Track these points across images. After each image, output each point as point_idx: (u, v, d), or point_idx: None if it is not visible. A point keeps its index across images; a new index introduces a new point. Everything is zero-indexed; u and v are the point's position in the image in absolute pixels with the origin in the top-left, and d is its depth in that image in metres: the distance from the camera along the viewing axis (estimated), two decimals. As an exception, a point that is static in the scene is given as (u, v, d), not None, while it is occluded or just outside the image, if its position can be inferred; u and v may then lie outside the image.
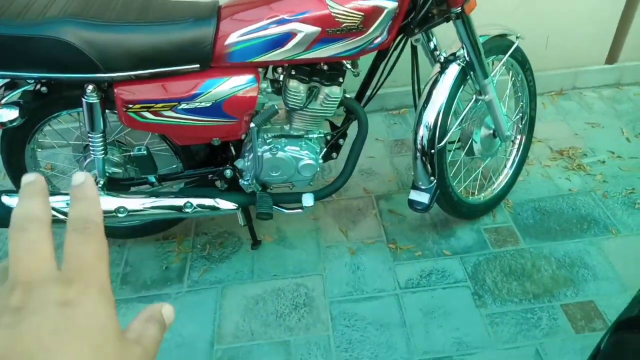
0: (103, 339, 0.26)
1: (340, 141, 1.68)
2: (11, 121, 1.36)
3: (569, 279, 1.69)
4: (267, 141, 1.54)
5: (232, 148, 1.61)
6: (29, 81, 1.40)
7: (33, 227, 0.28)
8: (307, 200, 1.60)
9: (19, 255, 0.28)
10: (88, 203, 0.31)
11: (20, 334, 0.24)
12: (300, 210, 1.63)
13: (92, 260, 0.28)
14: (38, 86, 1.42)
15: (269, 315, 1.63)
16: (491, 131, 1.78)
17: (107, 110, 1.45)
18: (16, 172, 1.60)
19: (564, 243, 1.81)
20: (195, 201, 1.56)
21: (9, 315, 0.25)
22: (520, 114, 1.95)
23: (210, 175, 1.64)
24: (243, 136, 1.56)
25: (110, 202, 1.49)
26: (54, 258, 0.28)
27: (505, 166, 1.99)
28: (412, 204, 1.65)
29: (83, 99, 1.39)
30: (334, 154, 1.69)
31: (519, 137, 1.98)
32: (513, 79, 1.89)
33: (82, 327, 0.26)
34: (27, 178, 0.31)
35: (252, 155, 1.55)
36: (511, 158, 1.99)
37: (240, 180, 1.62)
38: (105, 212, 1.49)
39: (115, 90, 1.37)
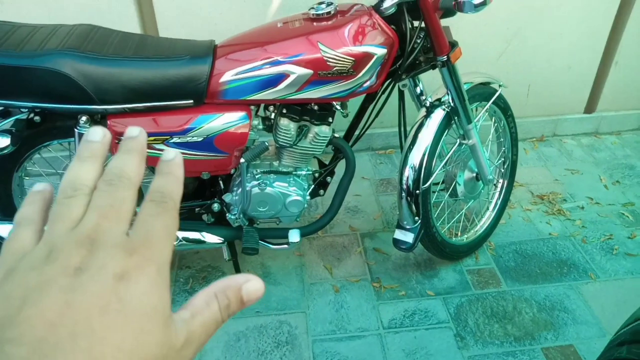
0: (149, 324, 0.25)
1: (328, 179, 1.71)
2: (2, 149, 1.37)
3: (549, 322, 1.71)
4: (256, 176, 1.57)
5: (220, 182, 1.63)
6: (22, 110, 1.42)
7: (122, 184, 0.28)
8: (294, 236, 1.61)
9: (98, 206, 0.27)
10: (172, 179, 0.30)
11: (73, 303, 0.23)
12: (286, 246, 1.64)
13: (159, 234, 0.27)
14: (31, 115, 1.43)
15: (250, 353, 1.61)
16: (474, 174, 1.83)
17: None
18: (2, 200, 1.59)
19: (545, 286, 1.84)
20: (182, 234, 1.56)
21: (68, 276, 0.24)
22: (503, 159, 2.01)
23: (197, 209, 1.65)
24: (232, 171, 1.59)
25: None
26: (128, 221, 0.27)
27: (487, 209, 2.03)
28: (396, 243, 1.67)
29: (76, 130, 1.40)
30: (322, 191, 1.72)
31: (501, 181, 2.04)
32: (496, 124, 1.96)
33: (131, 308, 0.24)
34: (130, 131, 0.31)
35: (240, 189, 1.57)
36: (494, 201, 2.04)
37: (227, 214, 1.63)
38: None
39: (109, 122, 1.39)
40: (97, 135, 0.30)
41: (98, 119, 1.42)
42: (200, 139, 1.43)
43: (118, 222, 0.27)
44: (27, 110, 1.42)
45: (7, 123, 1.42)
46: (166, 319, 0.26)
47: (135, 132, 0.31)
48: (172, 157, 0.30)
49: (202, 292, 0.29)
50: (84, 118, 1.39)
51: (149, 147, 1.41)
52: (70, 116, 1.41)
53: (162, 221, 0.28)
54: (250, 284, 0.30)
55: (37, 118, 1.44)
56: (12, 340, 0.22)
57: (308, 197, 1.65)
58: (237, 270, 1.77)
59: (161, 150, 1.42)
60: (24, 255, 0.26)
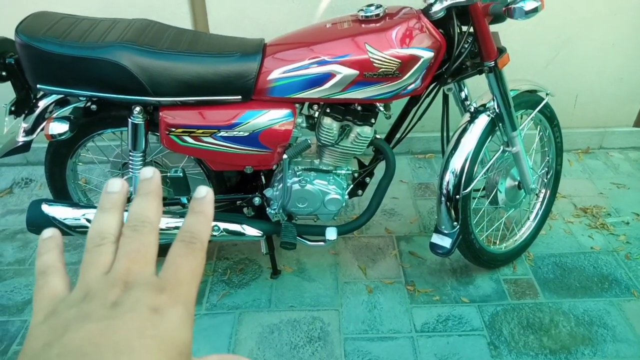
0: (176, 355, 0.27)
1: (367, 179, 1.72)
2: (60, 134, 1.44)
3: (587, 338, 1.67)
4: (297, 173, 1.60)
5: (262, 177, 1.67)
6: (81, 98, 1.49)
7: (146, 230, 0.31)
8: (331, 233, 1.64)
9: (127, 252, 0.30)
10: (202, 219, 0.32)
11: (113, 327, 0.26)
12: (322, 243, 1.66)
13: (187, 276, 0.30)
14: (89, 104, 1.51)
15: (283, 346, 1.64)
16: (516, 182, 1.81)
17: (149, 132, 1.53)
18: (57, 184, 1.68)
19: (584, 301, 1.80)
20: (223, 225, 1.61)
21: (106, 308, 0.27)
22: (546, 169, 1.98)
23: (239, 202, 1.69)
24: (274, 166, 1.62)
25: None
26: (155, 264, 0.30)
27: (528, 218, 2.00)
28: (433, 247, 1.67)
29: (129, 119, 1.47)
30: (360, 191, 1.73)
31: (543, 190, 2.00)
32: (541, 133, 1.93)
33: (164, 336, 0.26)
34: (145, 173, 0.33)
35: (281, 185, 1.60)
36: (535, 211, 2.00)
37: (267, 208, 1.67)
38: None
39: (161, 114, 1.45)
40: (116, 186, 0.33)
41: (151, 110, 1.49)
42: (246, 134, 1.47)
43: (146, 266, 0.29)
44: (85, 99, 1.49)
45: (66, 110, 1.49)
46: (190, 354, 0.28)
47: (149, 173, 0.33)
48: (204, 195, 0.33)
49: (213, 356, 0.32)
50: (137, 108, 1.45)
51: (198, 139, 1.47)
52: (125, 106, 1.48)
53: (190, 263, 0.30)
54: None
55: (93, 107, 1.51)
56: (57, 356, 0.24)
57: (346, 197, 1.67)
58: (274, 264, 1.80)
59: (210, 143, 1.47)
60: (61, 299, 0.29)
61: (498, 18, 1.48)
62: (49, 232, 0.34)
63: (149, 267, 0.30)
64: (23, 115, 1.48)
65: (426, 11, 1.44)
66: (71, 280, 0.31)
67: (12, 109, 1.45)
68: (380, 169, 1.68)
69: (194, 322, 0.30)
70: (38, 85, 1.41)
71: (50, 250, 0.32)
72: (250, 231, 1.63)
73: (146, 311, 0.27)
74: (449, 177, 1.62)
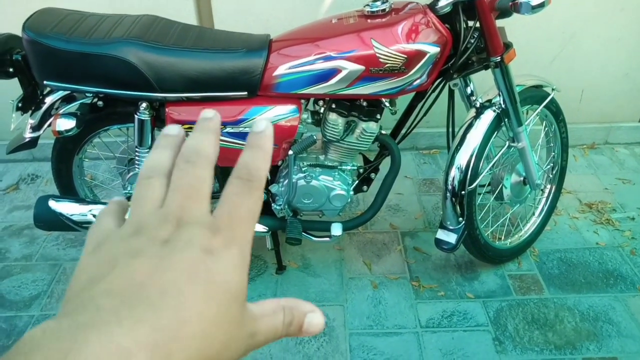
0: (229, 301, 0.25)
1: (372, 175, 1.72)
2: (67, 130, 1.45)
3: (592, 333, 1.67)
4: (303, 169, 1.60)
5: (268, 173, 1.67)
6: (87, 94, 1.50)
7: (200, 162, 0.28)
8: (336, 229, 1.64)
9: (180, 187, 0.27)
10: (261, 155, 0.29)
11: (162, 267, 0.24)
12: (328, 239, 1.67)
13: (244, 215, 0.27)
14: (95, 100, 1.51)
15: (288, 341, 1.65)
16: (522, 178, 1.80)
17: (155, 128, 1.54)
18: (63, 180, 1.69)
19: (589, 296, 1.80)
20: (229, 221, 1.61)
21: (157, 246, 0.25)
22: (552, 164, 1.97)
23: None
24: (280, 162, 1.63)
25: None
26: (209, 200, 0.28)
27: (533, 214, 2.00)
28: (439, 243, 1.67)
29: (136, 115, 1.47)
30: (365, 187, 1.74)
31: (548, 186, 2.00)
32: (546, 129, 1.92)
33: (215, 282, 0.25)
34: (205, 113, 0.31)
35: (286, 181, 1.60)
36: (540, 206, 2.00)
37: (272, 204, 1.67)
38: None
39: (167, 110, 1.45)
40: (174, 130, 0.31)
41: (157, 106, 1.49)
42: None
43: (200, 202, 0.27)
44: (91, 95, 1.50)
45: (73, 106, 1.50)
46: (244, 301, 0.26)
47: (211, 114, 0.31)
48: (263, 129, 0.30)
49: (272, 300, 0.29)
50: (144, 104, 1.46)
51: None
52: (131, 102, 1.48)
53: (246, 202, 0.28)
54: (315, 316, 0.30)
55: (100, 103, 1.52)
56: (102, 292, 0.23)
57: (352, 192, 1.67)
58: (279, 260, 1.81)
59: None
60: (113, 231, 0.28)
61: (504, 13, 1.48)
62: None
63: (203, 204, 0.27)
64: (30, 112, 1.48)
65: (432, 6, 1.44)
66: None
67: (19, 105, 1.46)
68: (385, 165, 1.69)
69: (250, 265, 0.27)
70: (45, 82, 1.41)
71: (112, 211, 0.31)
72: (256, 227, 1.64)
73: (198, 252, 0.25)
74: (454, 173, 1.62)
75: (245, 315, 0.27)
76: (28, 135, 1.48)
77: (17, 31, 1.40)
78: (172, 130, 0.31)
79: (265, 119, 0.31)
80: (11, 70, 1.42)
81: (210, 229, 0.26)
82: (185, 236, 0.25)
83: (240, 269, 0.26)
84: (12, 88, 1.53)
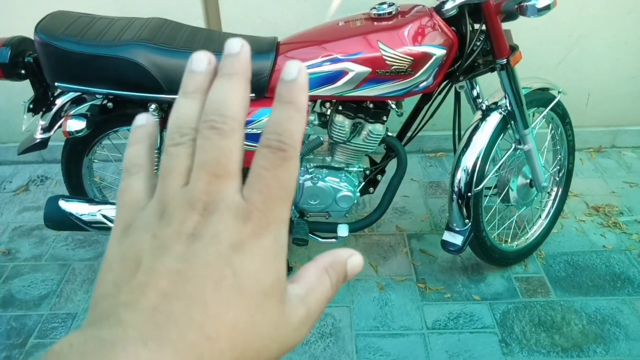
0: (264, 302, 0.23)
1: (378, 177, 1.73)
2: (77, 131, 1.47)
3: (599, 336, 1.66)
4: (309, 170, 1.61)
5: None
6: (97, 96, 1.52)
7: (227, 128, 0.24)
8: (342, 230, 1.65)
9: (205, 162, 0.24)
10: (293, 114, 0.24)
11: (187, 274, 0.23)
12: (334, 240, 1.68)
13: (277, 194, 0.24)
14: (105, 101, 1.53)
15: (294, 341, 1.65)
16: (528, 181, 1.81)
17: (164, 130, 1.56)
18: (73, 181, 1.71)
19: (596, 299, 1.79)
20: (236, 222, 1.62)
21: (182, 242, 0.23)
22: (558, 167, 1.97)
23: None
24: (287, 164, 1.64)
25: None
26: (240, 174, 0.24)
27: (540, 217, 2.00)
28: (445, 244, 1.68)
29: (145, 117, 1.49)
30: (371, 189, 1.75)
31: (555, 189, 2.00)
32: (552, 132, 1.92)
33: (246, 284, 0.23)
34: (231, 46, 0.26)
35: (294, 182, 1.61)
36: (546, 209, 2.00)
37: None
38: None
39: (176, 111, 1.46)
40: (202, 64, 0.26)
41: (166, 108, 1.51)
42: (259, 132, 1.49)
43: (229, 179, 0.24)
44: (101, 96, 1.52)
45: (83, 108, 1.52)
46: (282, 295, 0.24)
47: (237, 46, 0.25)
48: (295, 76, 0.25)
49: (312, 266, 0.27)
50: (153, 106, 1.48)
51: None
52: (141, 104, 1.50)
53: (280, 177, 0.24)
54: (354, 258, 0.28)
55: (110, 104, 1.54)
56: (126, 304, 0.22)
57: (358, 194, 1.68)
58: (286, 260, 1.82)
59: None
60: (139, 209, 0.26)
61: (510, 16, 1.49)
62: (142, 119, 0.28)
63: (232, 182, 0.24)
64: (41, 113, 1.51)
65: (438, 9, 1.45)
66: (154, 182, 0.27)
67: (30, 106, 1.48)
68: (391, 167, 1.69)
69: (286, 250, 0.25)
70: (56, 83, 1.44)
71: (138, 143, 0.28)
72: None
73: (226, 250, 0.23)
74: (460, 175, 1.63)
75: (288, 307, 0.25)
76: (39, 136, 1.50)
77: (29, 34, 1.43)
78: (199, 64, 0.26)
79: (296, 63, 0.25)
80: (23, 72, 1.45)
81: (240, 216, 0.24)
82: (212, 230, 0.23)
83: (274, 259, 0.24)
84: (23, 90, 1.55)
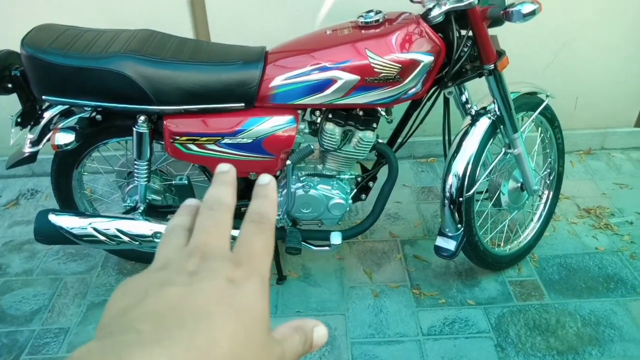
0: (255, 326, 0.27)
1: (370, 184, 1.73)
2: (66, 144, 1.46)
3: (594, 338, 1.66)
4: (301, 179, 1.61)
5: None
6: (86, 108, 1.51)
7: (221, 209, 0.32)
8: (335, 238, 1.64)
9: (204, 227, 0.31)
10: (268, 202, 0.33)
11: (192, 293, 0.26)
12: (327, 248, 1.67)
13: (260, 251, 0.30)
14: (94, 114, 1.52)
15: (289, 351, 1.64)
16: (519, 184, 1.81)
17: (153, 141, 1.55)
18: (63, 194, 1.70)
19: (590, 301, 1.79)
20: (228, 232, 1.61)
21: (185, 275, 0.28)
22: (548, 170, 1.98)
23: (243, 208, 1.69)
24: (278, 172, 1.64)
25: (148, 227, 1.56)
26: (229, 240, 0.31)
27: (532, 220, 2.00)
28: (438, 250, 1.68)
29: (134, 129, 1.49)
30: (363, 196, 1.74)
31: (546, 192, 2.01)
32: (542, 135, 1.93)
33: (241, 306, 0.27)
34: (222, 167, 0.35)
35: (285, 191, 1.61)
36: (538, 212, 2.01)
37: (271, 215, 1.68)
38: (141, 236, 1.56)
39: (165, 122, 1.46)
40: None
41: (155, 119, 1.50)
42: (249, 141, 1.49)
43: (222, 240, 0.30)
44: (90, 109, 1.51)
45: (72, 121, 1.51)
46: (268, 327, 0.28)
47: (226, 167, 0.35)
48: (268, 182, 0.34)
49: (283, 325, 0.32)
50: (142, 117, 1.47)
51: (202, 147, 1.48)
52: (129, 116, 1.50)
53: (261, 240, 0.31)
54: (320, 328, 0.33)
55: (98, 117, 1.53)
56: (140, 317, 0.25)
57: (350, 201, 1.68)
58: (279, 270, 1.81)
59: (214, 150, 1.49)
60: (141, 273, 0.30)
61: (496, 21, 1.50)
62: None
63: (224, 242, 0.30)
64: (29, 127, 1.50)
65: (425, 16, 1.46)
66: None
67: (18, 120, 1.47)
68: (383, 173, 1.70)
69: (269, 296, 0.30)
70: (43, 97, 1.43)
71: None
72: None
73: (223, 281, 0.27)
74: (451, 180, 1.63)
75: (270, 340, 0.29)
76: (27, 150, 1.49)
77: (15, 48, 1.42)
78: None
79: (268, 175, 0.35)
80: (10, 86, 1.43)
81: (233, 262, 0.29)
82: (210, 267, 0.28)
83: (262, 296, 0.29)
84: (11, 104, 1.54)
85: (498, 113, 1.62)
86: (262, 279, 0.29)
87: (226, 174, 0.34)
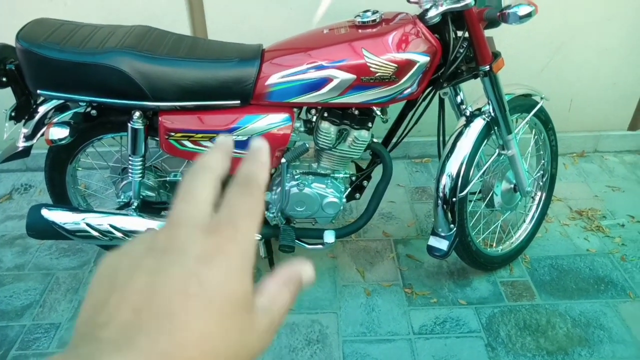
0: (232, 311, 0.25)
1: (364, 183, 1.74)
2: (61, 139, 1.46)
3: (584, 339, 1.68)
4: (295, 177, 1.61)
5: (266, 181, 1.68)
6: (80, 104, 1.51)
7: (202, 173, 0.29)
8: (329, 237, 1.65)
9: (179, 196, 0.28)
10: (258, 166, 0.31)
11: (155, 287, 0.24)
12: (321, 246, 1.67)
13: (243, 214, 0.27)
14: (89, 109, 1.52)
15: (282, 349, 1.65)
16: (512, 185, 1.82)
17: (148, 137, 1.55)
18: (57, 189, 1.69)
19: (580, 302, 1.81)
20: (222, 229, 1.62)
21: (153, 256, 0.25)
22: (542, 172, 2.00)
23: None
24: (273, 171, 1.64)
25: (141, 223, 1.56)
26: (209, 204, 0.28)
27: (524, 221, 2.02)
28: (430, 250, 1.68)
29: (129, 124, 1.48)
30: (357, 195, 1.75)
31: (539, 193, 2.02)
32: (536, 137, 1.95)
33: (212, 293, 0.24)
34: (256, 144, 0.32)
35: (279, 189, 1.62)
36: (530, 214, 2.02)
37: (265, 212, 1.68)
38: (135, 232, 1.56)
39: (160, 119, 1.46)
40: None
41: (150, 115, 1.50)
42: (244, 138, 1.49)
43: (198, 204, 0.28)
44: (85, 104, 1.51)
45: (66, 115, 1.51)
46: (248, 304, 0.26)
47: (262, 143, 0.32)
48: (260, 146, 0.32)
49: (272, 280, 0.30)
50: (137, 113, 1.47)
51: (197, 143, 1.48)
52: (124, 111, 1.49)
53: (246, 202, 0.28)
54: (306, 269, 0.31)
55: (93, 112, 1.52)
56: (102, 324, 0.24)
57: (344, 200, 1.68)
58: (273, 267, 1.81)
59: (208, 147, 1.49)
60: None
61: (492, 23, 1.50)
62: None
63: (200, 206, 0.27)
64: (23, 121, 1.49)
65: (422, 17, 1.46)
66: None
67: (12, 114, 1.46)
68: (377, 173, 1.70)
69: (252, 265, 0.27)
70: (38, 91, 1.42)
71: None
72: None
73: (192, 262, 0.25)
74: (445, 180, 1.64)
75: (254, 316, 0.27)
76: (21, 144, 1.49)
77: (11, 42, 1.41)
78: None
79: (260, 139, 0.33)
80: (4, 79, 1.43)
81: (207, 232, 0.26)
82: (180, 243, 0.26)
83: (241, 271, 0.26)
84: (5, 97, 1.54)
85: (493, 114, 1.63)
86: (244, 247, 0.26)
87: (222, 144, 0.32)
